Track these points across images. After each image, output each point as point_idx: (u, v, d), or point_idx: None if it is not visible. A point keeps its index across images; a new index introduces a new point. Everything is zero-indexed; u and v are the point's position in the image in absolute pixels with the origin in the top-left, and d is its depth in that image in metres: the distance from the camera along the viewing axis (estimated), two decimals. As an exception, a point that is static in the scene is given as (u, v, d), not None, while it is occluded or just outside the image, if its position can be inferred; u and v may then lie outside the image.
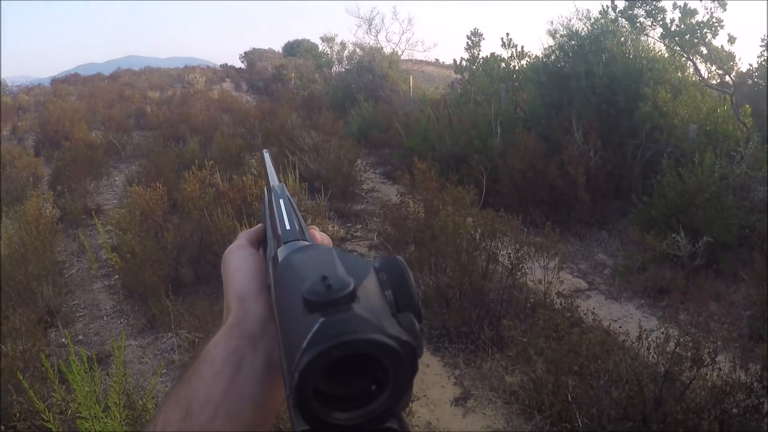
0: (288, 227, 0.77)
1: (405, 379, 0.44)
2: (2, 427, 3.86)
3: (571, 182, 7.93)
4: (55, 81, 34.74)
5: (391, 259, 0.53)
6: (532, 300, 5.54)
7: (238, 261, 0.79)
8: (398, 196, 7.12)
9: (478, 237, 5.42)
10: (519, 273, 5.24)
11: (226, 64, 42.58)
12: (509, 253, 5.34)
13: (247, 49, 42.18)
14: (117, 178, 11.42)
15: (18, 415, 3.74)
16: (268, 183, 0.97)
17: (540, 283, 5.54)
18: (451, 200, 6.23)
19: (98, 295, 6.50)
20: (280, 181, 0.95)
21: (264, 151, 1.14)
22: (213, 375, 0.60)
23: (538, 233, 7.37)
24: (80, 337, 5.59)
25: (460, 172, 8.94)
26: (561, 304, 4.78)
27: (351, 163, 9.41)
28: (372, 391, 0.46)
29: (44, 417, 3.23)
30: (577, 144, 8.16)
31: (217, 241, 6.08)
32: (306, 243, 0.71)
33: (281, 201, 0.85)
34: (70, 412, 3.55)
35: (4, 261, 6.25)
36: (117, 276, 6.59)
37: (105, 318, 5.98)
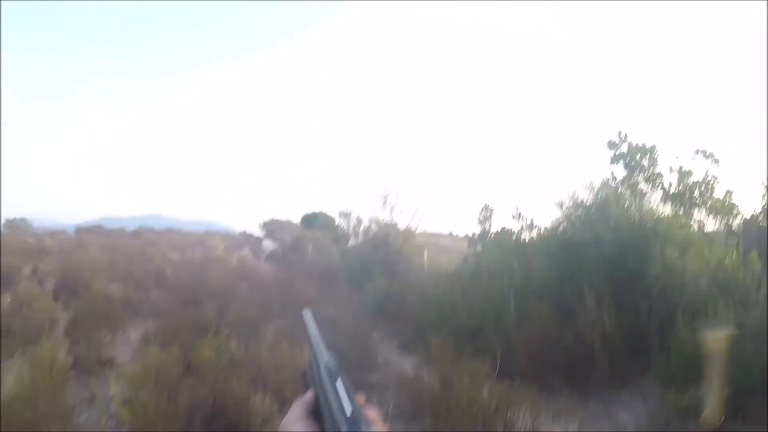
0: (349, 414, 0.81)
1: None
2: None
3: (587, 347, 7.91)
4: (79, 229, 35.90)
5: None
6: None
7: None
8: (413, 369, 7.13)
9: (493, 408, 5.39)
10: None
11: (245, 232, 43.41)
12: (526, 423, 5.29)
13: (267, 219, 43.18)
14: (132, 333, 11.40)
15: None
16: (315, 352, 1.01)
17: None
18: (467, 372, 6.25)
19: None
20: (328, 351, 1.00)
21: (305, 310, 1.19)
22: None
23: (557, 400, 7.28)
24: None
25: (475, 343, 8.95)
26: None
27: (367, 335, 9.46)
28: None
29: None
30: (590, 310, 8.19)
31: (230, 405, 6.06)
32: None
33: (339, 381, 0.89)
34: None
35: (13, 400, 6.22)
36: (126, 430, 6.47)
37: None
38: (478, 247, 14.03)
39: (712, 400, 6.15)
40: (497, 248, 12.89)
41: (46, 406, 6.21)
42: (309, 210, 35.98)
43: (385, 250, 18.65)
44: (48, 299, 12.33)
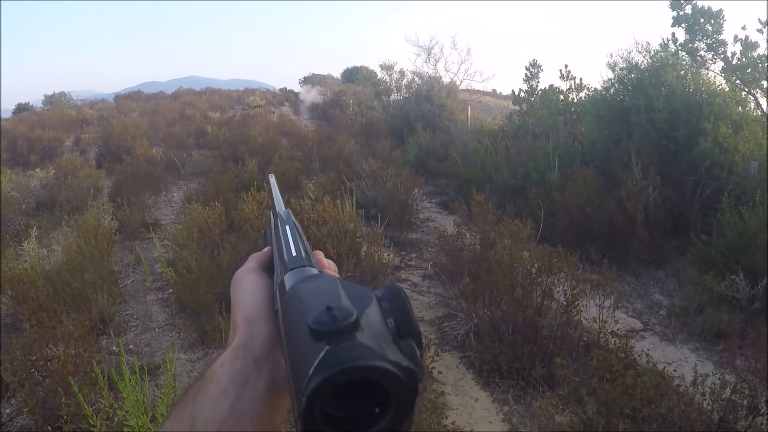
0: (294, 253, 0.79)
1: (406, 402, 0.47)
2: (49, 428, 3.93)
3: (629, 219, 7.70)
4: (118, 97, 35.92)
5: (392, 288, 0.56)
6: (585, 338, 5.39)
7: (248, 285, 0.82)
8: (455, 227, 7.05)
9: (534, 272, 5.33)
10: (574, 311, 5.14)
11: (285, 88, 42.99)
12: (565, 290, 5.24)
13: (307, 74, 42.66)
14: (175, 195, 11.64)
15: (65, 417, 3.77)
16: (274, 208, 1.00)
17: (594, 321, 5.42)
18: (508, 233, 6.16)
19: (151, 307, 6.55)
20: (287, 207, 0.98)
21: (270, 176, 1.18)
22: (218, 394, 0.62)
23: (594, 270, 7.22)
24: (131, 346, 5.63)
25: (517, 204, 8.85)
26: (615, 345, 4.67)
27: (408, 191, 9.38)
28: (376, 414, 0.48)
29: (91, 421, 3.27)
30: (635, 179, 7.95)
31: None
32: (313, 271, 0.73)
33: (287, 227, 0.88)
34: (116, 419, 3.59)
35: (62, 267, 6.40)
36: (171, 290, 6.63)
37: (156, 330, 6.01)
38: (524, 105, 13.58)
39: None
40: (543, 107, 12.47)
41: (93, 272, 6.33)
42: (350, 64, 35.44)
43: (428, 105, 18.35)
44: (91, 168, 12.59)
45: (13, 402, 4.47)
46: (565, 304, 5.09)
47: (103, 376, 3.48)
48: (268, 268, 0.87)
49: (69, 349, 4.45)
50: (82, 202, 9.40)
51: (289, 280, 0.69)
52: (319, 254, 0.86)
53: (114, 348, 5.43)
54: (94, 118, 23.55)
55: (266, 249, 0.92)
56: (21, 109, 30.28)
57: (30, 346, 4.54)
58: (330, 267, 0.86)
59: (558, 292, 5.41)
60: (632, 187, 7.85)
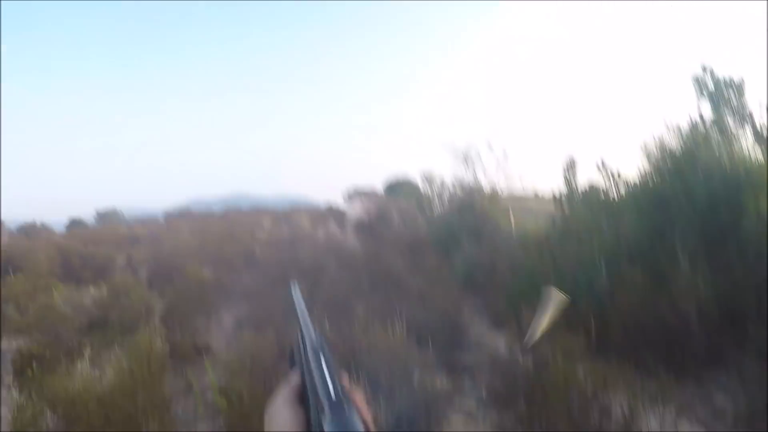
0: (333, 397, 0.78)
1: None
2: None
3: (682, 318, 7.42)
4: (168, 215, 37.25)
5: None
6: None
7: (284, 422, 0.84)
8: (506, 347, 6.94)
9: (589, 392, 5.22)
10: (634, 426, 4.99)
11: (330, 207, 43.74)
12: (621, 405, 5.11)
13: (350, 187, 43.42)
14: (225, 317, 11.65)
15: None
16: (301, 328, 0.97)
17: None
18: (561, 350, 6.07)
19: None
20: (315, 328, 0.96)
21: (292, 282, 1.16)
22: None
23: (651, 378, 7.02)
24: None
25: (567, 315, 8.69)
26: None
27: (458, 311, 9.32)
28: None
29: None
30: (683, 273, 7.70)
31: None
32: (356, 426, 0.74)
33: (322, 360, 0.86)
34: None
35: (114, 390, 6.36)
36: (223, 420, 6.54)
37: None
38: (565, 208, 13.55)
39: None
40: (585, 207, 12.42)
41: (145, 397, 6.34)
42: (392, 178, 36.01)
43: (471, 215, 18.44)
44: (143, 288, 12.77)
45: None
46: (623, 421, 4.96)
47: None
48: (301, 398, 0.88)
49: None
50: (135, 323, 9.47)
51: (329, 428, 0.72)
52: (354, 393, 0.86)
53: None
54: (145, 236, 24.25)
55: (296, 377, 0.92)
56: (74, 223, 31.43)
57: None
58: (360, 401, 0.85)
59: (615, 407, 5.27)
60: (681, 281, 7.61)
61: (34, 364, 7.27)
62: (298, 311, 1.05)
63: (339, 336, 6.92)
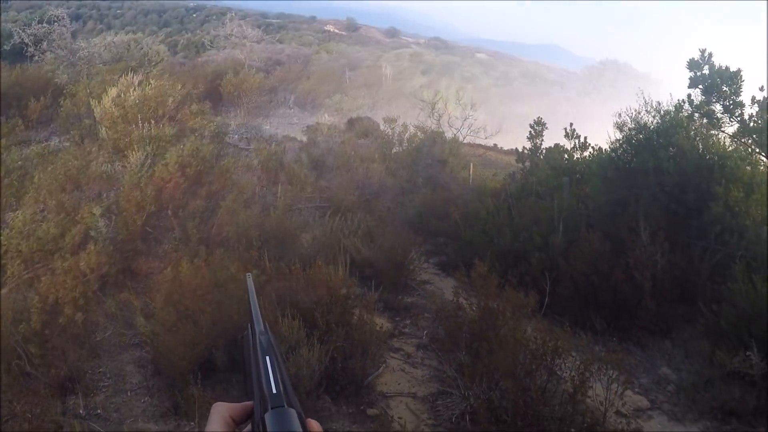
0: (275, 390, 0.80)
1: None
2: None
3: (636, 287, 7.35)
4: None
5: None
6: (588, 420, 4.99)
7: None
8: (453, 297, 6.58)
9: (539, 353, 4.93)
10: (581, 394, 4.75)
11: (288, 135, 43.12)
12: (571, 373, 4.85)
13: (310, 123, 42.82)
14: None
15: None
16: (252, 322, 0.96)
17: (601, 405, 5.03)
18: (511, 306, 5.73)
19: (126, 366, 5.94)
20: (264, 318, 0.96)
21: (247, 275, 1.11)
22: None
23: (598, 340, 6.94)
24: (99, 411, 5.12)
25: (520, 269, 8.44)
26: (621, 426, 4.34)
27: (405, 252, 8.94)
28: None
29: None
30: (643, 245, 7.60)
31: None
32: (293, 424, 0.75)
33: (267, 358, 0.87)
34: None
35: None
36: (148, 348, 6.02)
37: (129, 393, 5.47)
38: (527, 163, 13.29)
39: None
40: (547, 166, 12.17)
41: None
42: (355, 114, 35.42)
43: (430, 161, 18.15)
44: None
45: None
46: (572, 389, 4.70)
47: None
48: (238, 418, 0.88)
49: (34, 408, 4.10)
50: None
51: (270, 422, 0.74)
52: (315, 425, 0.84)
53: (81, 411, 5.02)
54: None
55: (245, 404, 0.89)
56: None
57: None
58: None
59: (562, 369, 5.04)
60: (640, 254, 7.51)
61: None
62: (251, 302, 1.03)
63: (278, 271, 6.54)
